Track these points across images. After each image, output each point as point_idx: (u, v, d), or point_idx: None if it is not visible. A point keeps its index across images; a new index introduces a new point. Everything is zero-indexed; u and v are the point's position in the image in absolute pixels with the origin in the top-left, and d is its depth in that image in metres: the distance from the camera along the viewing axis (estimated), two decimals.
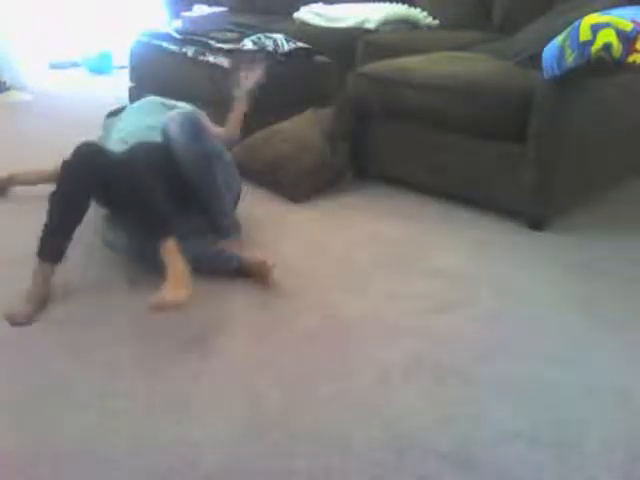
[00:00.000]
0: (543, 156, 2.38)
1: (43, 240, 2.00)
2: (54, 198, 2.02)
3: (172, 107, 2.55)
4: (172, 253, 1.91)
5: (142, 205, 2.00)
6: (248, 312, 2.00)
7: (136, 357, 1.80)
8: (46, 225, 2.01)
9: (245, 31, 3.46)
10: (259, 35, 3.35)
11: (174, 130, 2.19)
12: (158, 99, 2.66)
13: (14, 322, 1.92)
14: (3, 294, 2.04)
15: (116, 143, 2.36)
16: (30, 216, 2.12)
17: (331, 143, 2.84)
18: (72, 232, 2.03)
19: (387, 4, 4.03)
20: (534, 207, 2.49)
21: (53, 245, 2.01)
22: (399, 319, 1.97)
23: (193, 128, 2.21)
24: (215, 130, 2.48)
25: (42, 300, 2.00)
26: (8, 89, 4.57)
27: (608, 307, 2.03)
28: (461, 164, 2.61)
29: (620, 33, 2.12)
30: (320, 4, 4.20)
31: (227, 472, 1.43)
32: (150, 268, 2.04)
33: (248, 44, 3.27)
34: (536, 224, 2.51)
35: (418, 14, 3.94)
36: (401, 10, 3.94)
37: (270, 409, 1.60)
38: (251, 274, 2.13)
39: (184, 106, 2.58)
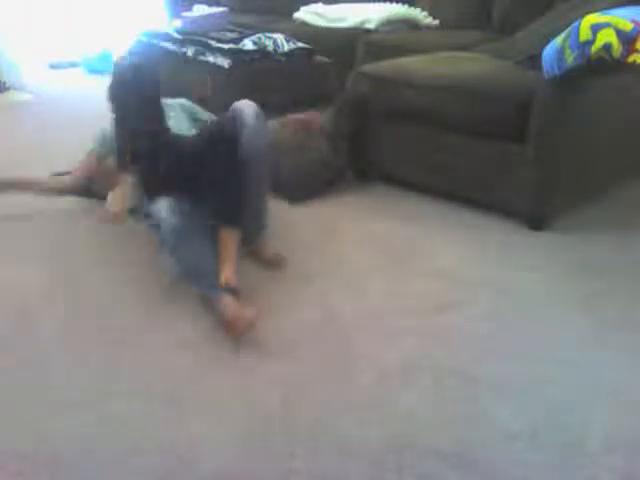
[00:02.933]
0: (543, 156, 2.38)
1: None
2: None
3: (195, 118, 2.57)
4: (233, 241, 2.07)
5: (231, 188, 2.09)
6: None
7: (136, 357, 1.80)
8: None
9: (245, 31, 3.46)
10: (259, 35, 3.36)
11: (250, 115, 2.16)
12: (188, 106, 2.65)
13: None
14: None
15: None
16: None
17: (331, 143, 2.85)
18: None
19: (387, 4, 4.03)
20: (534, 207, 2.49)
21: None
22: (399, 319, 1.97)
23: (264, 120, 2.22)
24: None
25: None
26: (8, 89, 4.57)
27: (608, 307, 2.03)
28: (461, 164, 2.61)
29: (620, 33, 2.12)
30: (320, 4, 4.20)
31: (227, 472, 1.43)
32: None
33: (248, 44, 3.28)
34: (536, 224, 2.51)
35: (418, 14, 3.94)
36: (401, 10, 3.94)
37: (270, 409, 1.60)
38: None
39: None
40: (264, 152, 2.19)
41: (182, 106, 2.59)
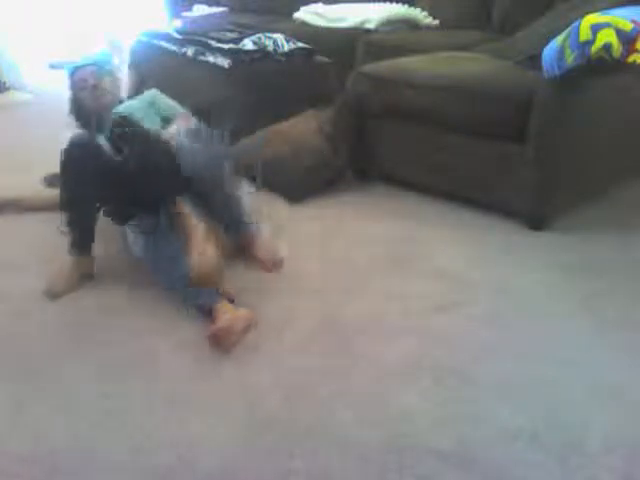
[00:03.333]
0: (543, 156, 2.38)
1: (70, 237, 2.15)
2: (63, 201, 2.16)
3: (164, 116, 2.48)
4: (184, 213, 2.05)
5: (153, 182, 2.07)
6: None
7: (136, 357, 1.80)
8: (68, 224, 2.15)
9: (245, 31, 3.46)
10: (259, 35, 3.35)
11: (182, 135, 2.19)
12: (156, 99, 2.56)
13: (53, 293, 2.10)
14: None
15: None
16: None
17: (331, 143, 2.85)
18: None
19: (387, 4, 4.03)
20: (534, 207, 2.49)
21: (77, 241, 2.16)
22: (399, 319, 1.97)
23: (201, 134, 2.22)
24: None
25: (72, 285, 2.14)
26: (8, 89, 4.57)
27: (608, 307, 2.03)
28: (461, 164, 2.61)
29: (620, 33, 2.12)
30: (320, 4, 4.20)
31: (227, 472, 1.43)
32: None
33: (248, 44, 3.27)
34: (536, 224, 2.51)
35: (418, 14, 3.94)
36: (401, 10, 3.94)
37: (270, 409, 1.60)
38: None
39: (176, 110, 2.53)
40: (207, 165, 2.16)
41: (151, 104, 2.49)
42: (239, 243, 2.28)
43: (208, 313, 1.91)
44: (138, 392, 1.66)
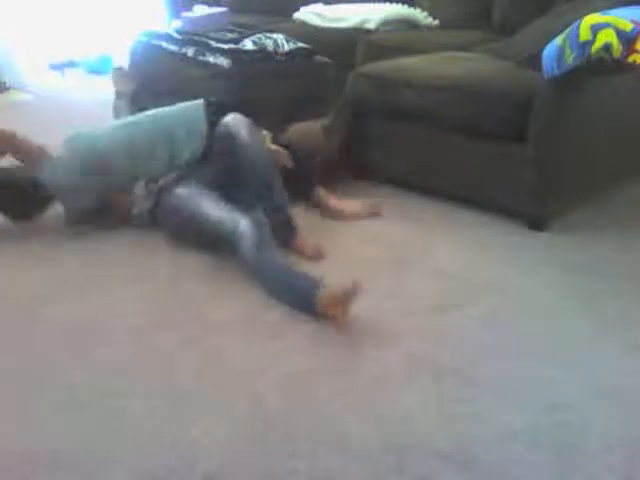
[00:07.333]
0: (543, 156, 2.38)
1: None
2: None
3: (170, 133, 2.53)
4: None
5: None
6: (248, 312, 2.00)
7: (136, 357, 1.80)
8: None
9: (245, 31, 3.46)
10: (259, 35, 3.35)
11: (244, 134, 2.33)
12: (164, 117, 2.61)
13: None
14: None
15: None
16: None
17: (327, 134, 2.84)
18: None
19: (387, 4, 4.03)
20: (534, 207, 2.49)
21: None
22: (399, 319, 1.97)
23: (259, 134, 2.43)
24: None
25: None
26: (8, 89, 4.58)
27: (608, 307, 2.03)
28: (461, 164, 2.61)
29: (620, 33, 2.13)
30: (320, 4, 4.20)
31: (227, 472, 1.43)
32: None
33: (248, 44, 3.27)
34: (536, 224, 2.51)
35: (418, 14, 3.94)
36: (401, 10, 3.94)
37: (270, 409, 1.60)
38: (329, 307, 1.91)
39: None
40: (262, 164, 2.34)
41: (155, 119, 2.58)
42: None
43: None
44: (138, 392, 1.66)
